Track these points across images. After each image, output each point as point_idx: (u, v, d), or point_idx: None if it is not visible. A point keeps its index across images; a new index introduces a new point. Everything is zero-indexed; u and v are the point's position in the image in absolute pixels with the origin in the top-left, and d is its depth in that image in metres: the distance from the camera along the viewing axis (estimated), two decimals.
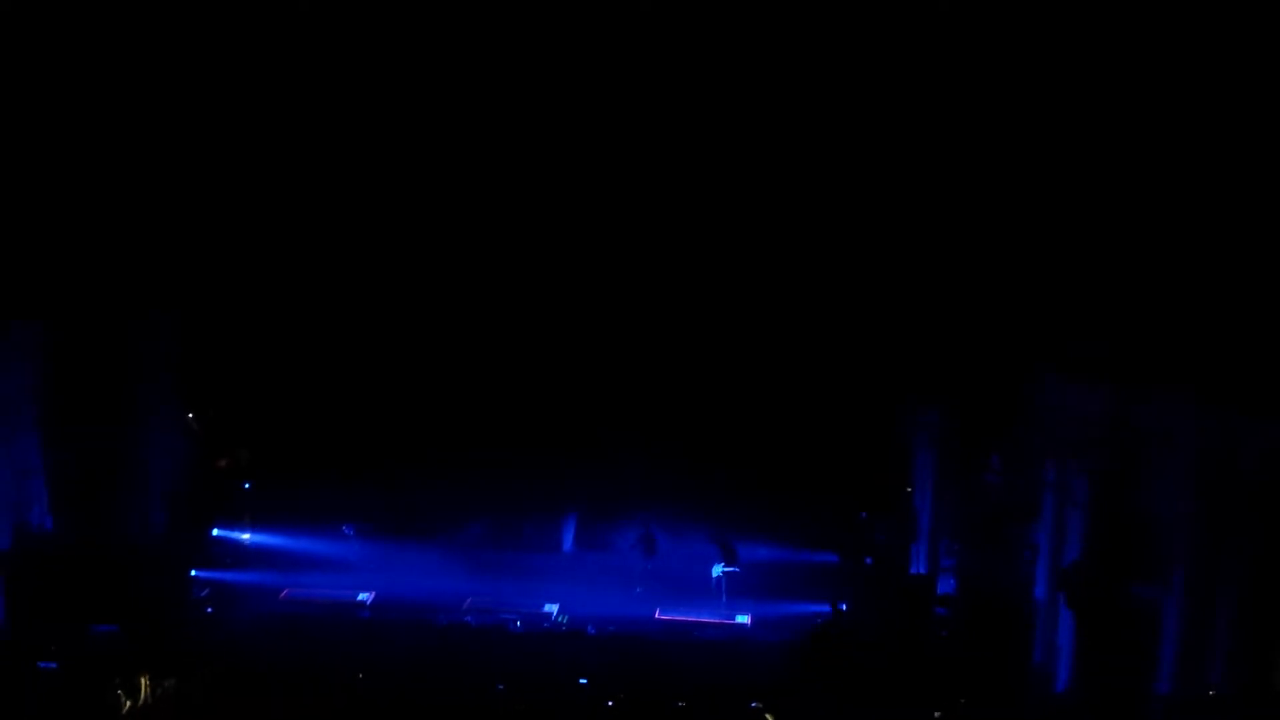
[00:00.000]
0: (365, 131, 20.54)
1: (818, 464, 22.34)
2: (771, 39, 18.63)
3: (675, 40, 18.76)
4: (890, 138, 19.17)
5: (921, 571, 21.99)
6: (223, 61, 19.59)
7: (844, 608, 20.42)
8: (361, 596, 22.16)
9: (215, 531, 23.74)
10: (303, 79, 19.86)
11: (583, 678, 18.55)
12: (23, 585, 19.95)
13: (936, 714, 17.33)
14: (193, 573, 22.08)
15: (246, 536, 23.95)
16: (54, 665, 17.78)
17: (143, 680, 17.34)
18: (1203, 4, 16.56)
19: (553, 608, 22.00)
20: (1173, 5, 16.71)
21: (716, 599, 22.21)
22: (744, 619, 21.48)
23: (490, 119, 20.15)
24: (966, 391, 20.56)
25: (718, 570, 22.46)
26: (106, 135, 20.01)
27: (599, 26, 18.73)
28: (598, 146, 20.39)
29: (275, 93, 20.09)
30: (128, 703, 17.09)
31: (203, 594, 22.18)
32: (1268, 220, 16.25)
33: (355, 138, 20.63)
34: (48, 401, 21.48)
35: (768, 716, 17.14)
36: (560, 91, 19.68)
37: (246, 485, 24.09)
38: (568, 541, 23.81)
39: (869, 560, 22.09)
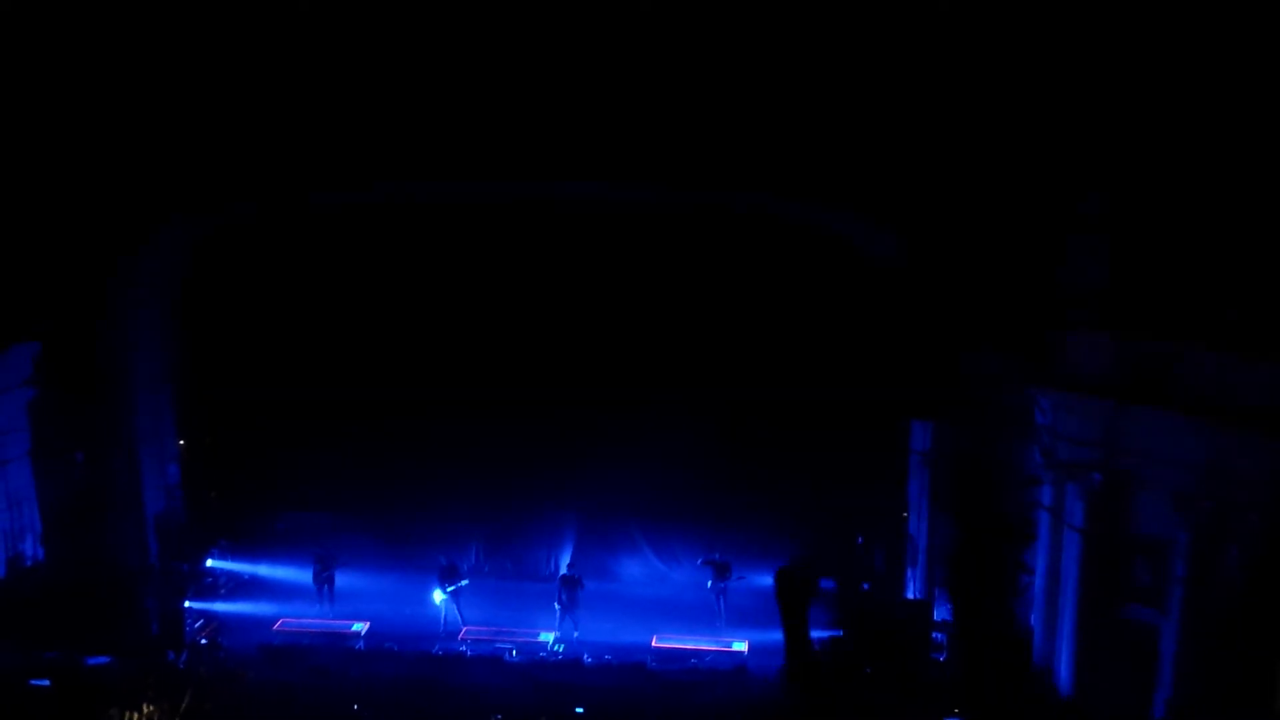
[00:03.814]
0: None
1: (814, 486, 22.32)
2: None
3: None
4: (891, 137, 19.08)
5: (919, 597, 21.94)
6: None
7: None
8: (356, 627, 22.01)
9: (209, 562, 23.67)
10: None
11: (579, 707, 18.46)
12: (15, 616, 19.84)
13: None
14: (187, 603, 21.97)
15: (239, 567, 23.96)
16: (46, 683, 17.69)
17: (137, 712, 17.24)
18: None
19: (548, 636, 21.91)
20: None
21: (715, 617, 22.18)
22: (741, 647, 21.39)
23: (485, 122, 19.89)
24: (961, 414, 20.54)
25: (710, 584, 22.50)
26: (97, 145, 19.93)
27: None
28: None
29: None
30: None
31: (197, 624, 22.07)
32: (1261, 238, 16.35)
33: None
34: (40, 430, 21.47)
35: None
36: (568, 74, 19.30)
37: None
38: (564, 568, 23.70)
39: (865, 585, 22.02)
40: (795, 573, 18.10)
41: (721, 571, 22.34)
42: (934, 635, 20.46)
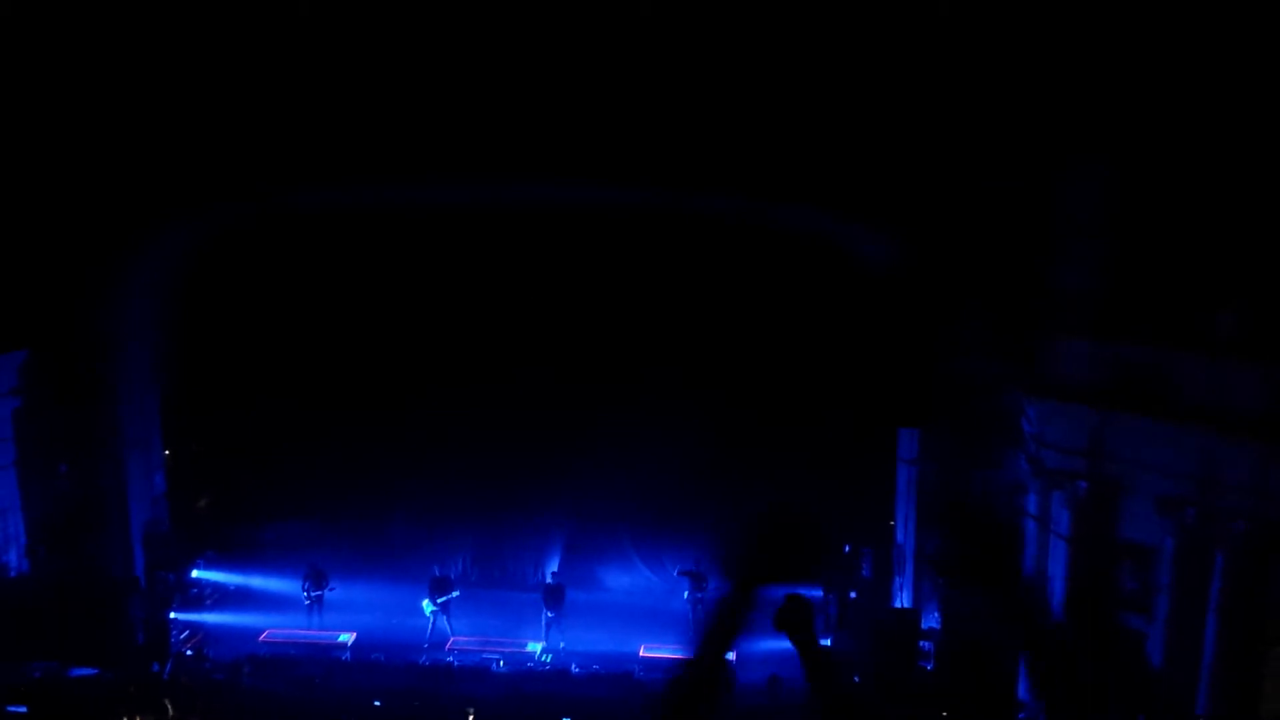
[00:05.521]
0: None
1: (803, 494, 22.25)
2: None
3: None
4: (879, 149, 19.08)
5: (906, 606, 21.90)
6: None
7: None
8: (343, 637, 21.90)
9: (195, 572, 23.55)
10: None
11: (566, 717, 18.37)
12: None
13: None
14: (173, 614, 21.85)
15: (226, 577, 23.85)
16: (24, 709, 17.52)
17: None
18: None
19: (536, 646, 21.82)
20: None
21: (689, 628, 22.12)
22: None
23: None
24: (949, 422, 20.53)
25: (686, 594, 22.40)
26: (82, 154, 19.86)
27: None
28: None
29: None
30: None
31: (183, 635, 21.96)
32: (1249, 242, 16.38)
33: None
34: (25, 440, 21.36)
35: None
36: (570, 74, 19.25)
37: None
38: (549, 577, 23.64)
39: (853, 594, 21.98)
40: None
41: (699, 582, 22.21)
42: (922, 645, 20.43)
